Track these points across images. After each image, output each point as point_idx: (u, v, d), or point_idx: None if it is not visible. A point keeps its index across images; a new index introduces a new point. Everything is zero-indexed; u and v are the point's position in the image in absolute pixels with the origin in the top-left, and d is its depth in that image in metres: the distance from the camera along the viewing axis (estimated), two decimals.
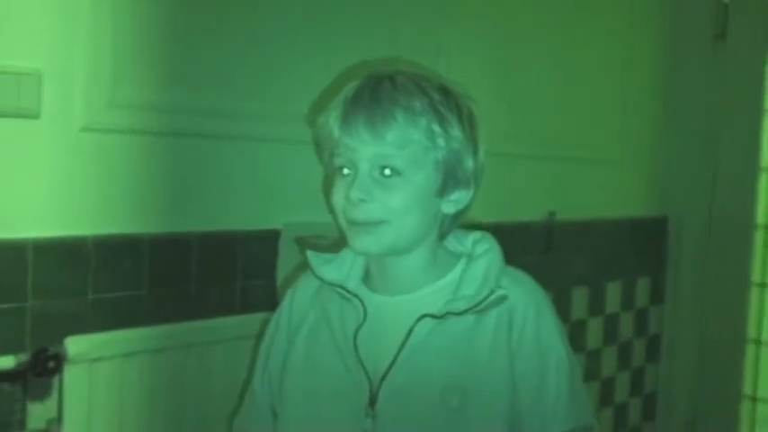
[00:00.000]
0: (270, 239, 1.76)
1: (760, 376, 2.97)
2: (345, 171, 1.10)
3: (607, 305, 2.79)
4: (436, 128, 1.09)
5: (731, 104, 2.92)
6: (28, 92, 1.41)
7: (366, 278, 1.19)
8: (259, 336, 1.50)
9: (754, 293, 2.96)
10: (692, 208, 3.00)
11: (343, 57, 1.74)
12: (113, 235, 1.53)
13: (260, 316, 1.69)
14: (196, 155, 1.65)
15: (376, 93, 1.08)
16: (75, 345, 1.46)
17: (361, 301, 1.15)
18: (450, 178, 1.12)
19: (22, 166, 1.42)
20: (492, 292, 1.10)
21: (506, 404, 1.08)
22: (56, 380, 1.46)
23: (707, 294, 2.99)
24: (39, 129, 1.43)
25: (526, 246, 2.33)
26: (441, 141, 1.10)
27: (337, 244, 1.22)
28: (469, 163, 1.13)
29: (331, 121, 1.10)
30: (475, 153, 1.14)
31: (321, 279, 1.18)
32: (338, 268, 1.18)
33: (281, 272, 1.76)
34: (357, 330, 1.13)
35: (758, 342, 2.96)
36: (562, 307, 2.45)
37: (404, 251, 1.13)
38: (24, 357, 1.42)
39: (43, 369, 1.43)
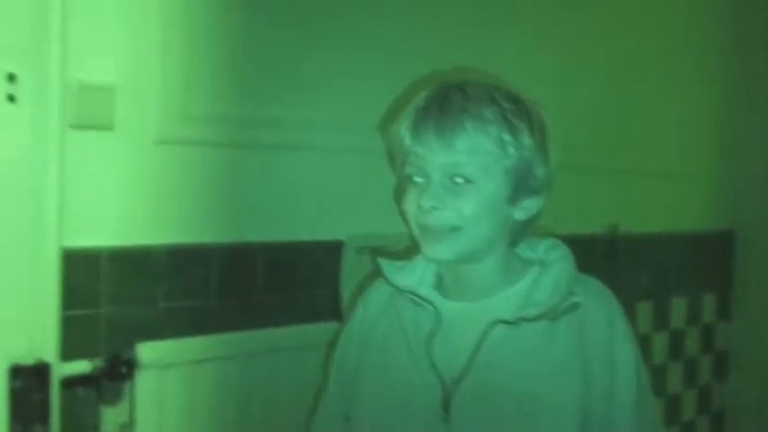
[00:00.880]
0: (333, 249, 1.78)
1: None
2: (417, 179, 1.11)
3: (672, 320, 2.73)
4: (506, 136, 1.10)
5: None
6: (102, 105, 1.45)
7: (438, 284, 1.20)
8: (328, 344, 1.51)
9: None
10: (760, 222, 2.92)
11: (408, 67, 1.75)
12: (184, 244, 1.56)
13: (324, 325, 1.71)
14: (262, 166, 1.68)
15: (446, 102, 1.09)
16: (146, 351, 1.49)
17: (434, 306, 1.15)
18: (520, 186, 1.12)
19: (96, 178, 1.47)
20: (565, 298, 1.10)
21: (577, 410, 1.08)
22: (128, 385, 1.49)
23: None
24: (112, 141, 1.47)
25: (589, 258, 2.29)
26: (511, 150, 1.10)
27: (409, 251, 1.23)
28: (540, 170, 1.13)
29: (402, 130, 1.11)
30: (545, 161, 1.14)
31: (394, 286, 1.19)
32: (410, 275, 1.19)
33: (345, 282, 1.77)
34: (430, 336, 1.13)
35: None
36: None
37: (475, 258, 1.13)
38: (99, 363, 1.46)
39: (116, 374, 1.47)
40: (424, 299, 1.16)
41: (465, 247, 1.11)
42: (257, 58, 1.65)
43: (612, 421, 1.10)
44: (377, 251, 1.62)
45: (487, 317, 1.12)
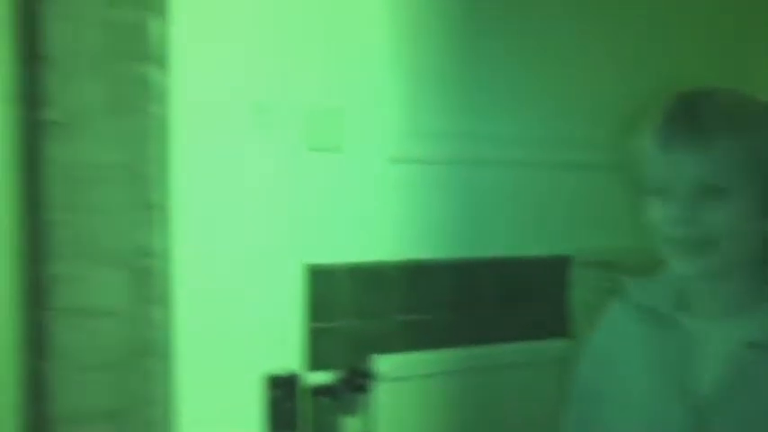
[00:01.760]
0: (559, 265, 1.76)
1: None
2: (665, 190, 1.07)
3: None
4: (761, 144, 1.03)
5: None
6: (332, 128, 1.54)
7: (683, 301, 1.14)
8: (559, 360, 1.49)
9: None
10: None
11: (643, 82, 1.70)
12: (414, 260, 1.61)
13: (551, 342, 1.69)
14: (489, 182, 1.70)
15: (695, 111, 1.04)
16: (383, 363, 1.55)
17: (679, 325, 1.10)
18: None
19: (329, 197, 1.55)
20: None
21: None
22: (365, 396, 1.56)
23: None
24: (342, 161, 1.55)
25: None
26: (766, 158, 1.03)
27: (649, 267, 1.18)
28: None
29: (648, 140, 1.08)
30: None
31: (636, 303, 1.15)
32: (653, 292, 1.14)
33: (574, 298, 1.74)
34: (677, 356, 1.08)
35: None
36: None
37: (726, 273, 1.06)
38: (339, 373, 1.54)
39: (356, 385, 1.54)
40: (668, 317, 1.11)
41: (715, 262, 1.04)
42: (478, 73, 1.67)
43: None
44: (607, 265, 1.58)
45: (738, 337, 1.04)
